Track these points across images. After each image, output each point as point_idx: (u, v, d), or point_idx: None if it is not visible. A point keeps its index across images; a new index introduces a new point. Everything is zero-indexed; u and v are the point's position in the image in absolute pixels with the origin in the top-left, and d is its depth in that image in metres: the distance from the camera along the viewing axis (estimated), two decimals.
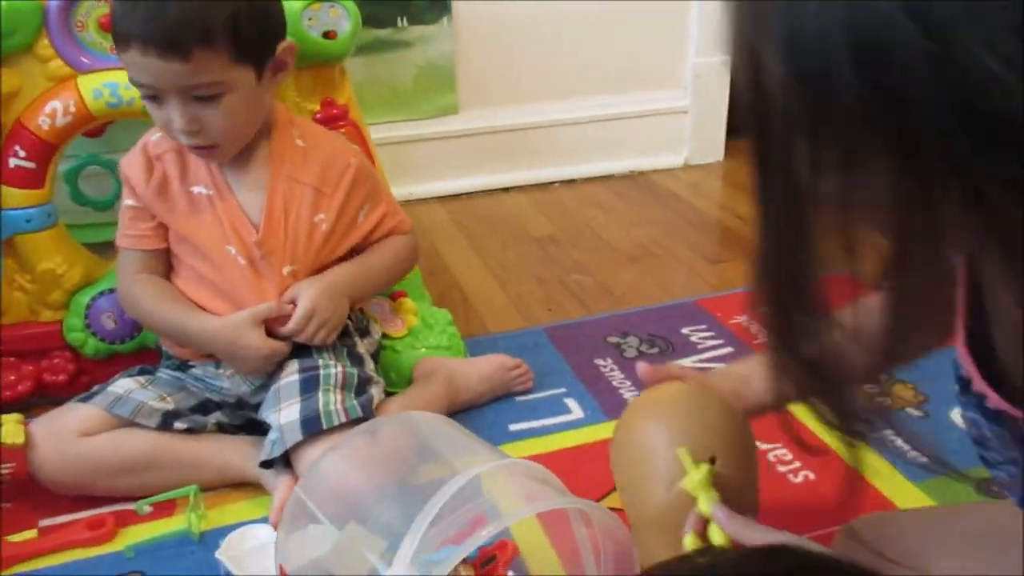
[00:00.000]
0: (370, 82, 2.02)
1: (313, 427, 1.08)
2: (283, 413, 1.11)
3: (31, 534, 1.10)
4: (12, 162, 1.27)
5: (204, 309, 1.18)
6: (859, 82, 0.40)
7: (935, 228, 0.43)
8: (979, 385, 0.65)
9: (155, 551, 1.06)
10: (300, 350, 1.18)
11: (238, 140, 1.14)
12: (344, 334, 1.23)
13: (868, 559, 0.79)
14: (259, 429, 1.18)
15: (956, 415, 1.25)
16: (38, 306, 1.34)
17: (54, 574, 1.04)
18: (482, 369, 1.34)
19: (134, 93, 1.26)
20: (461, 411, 1.30)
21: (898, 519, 0.95)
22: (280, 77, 1.15)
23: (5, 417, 1.12)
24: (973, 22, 0.37)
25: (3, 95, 1.25)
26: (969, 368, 0.66)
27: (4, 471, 1.20)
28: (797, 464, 1.17)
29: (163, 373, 1.21)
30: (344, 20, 1.35)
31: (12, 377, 1.33)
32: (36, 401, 1.31)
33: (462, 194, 2.17)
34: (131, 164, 1.19)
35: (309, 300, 1.15)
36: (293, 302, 1.16)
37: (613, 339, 1.50)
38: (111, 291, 1.33)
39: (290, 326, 1.15)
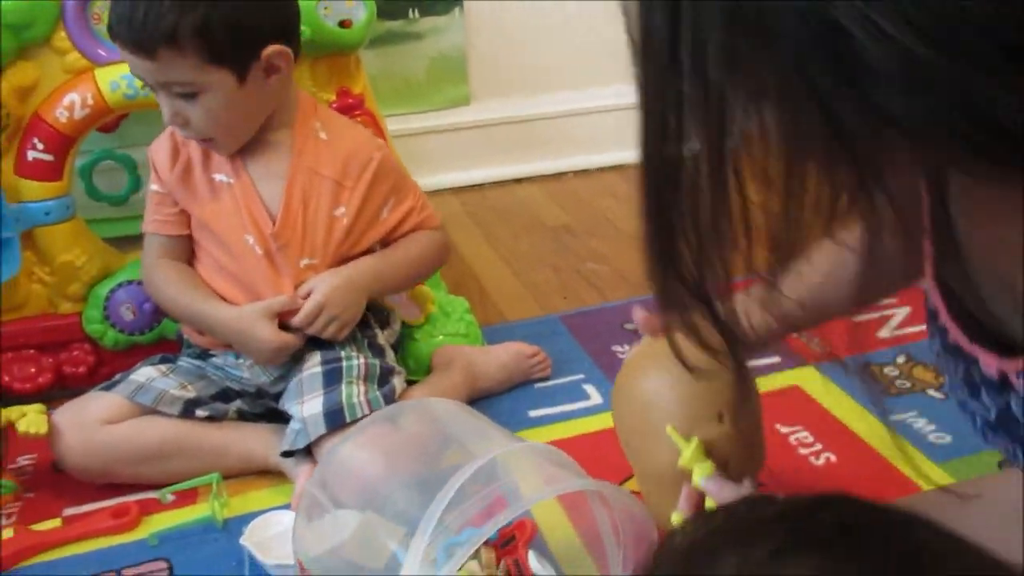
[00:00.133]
0: (382, 74, 2.02)
1: (337, 420, 1.08)
2: (306, 405, 1.11)
3: (55, 523, 1.11)
4: (30, 155, 1.28)
5: (223, 298, 1.18)
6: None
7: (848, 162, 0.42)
8: (943, 318, 0.65)
9: (179, 538, 1.07)
10: (322, 341, 1.18)
11: (231, 136, 1.14)
12: (365, 325, 1.23)
13: None
14: (279, 417, 1.18)
15: None
16: (57, 298, 1.34)
17: (79, 562, 1.05)
18: (500, 357, 1.34)
19: None
20: (480, 399, 1.30)
21: (927, 500, 0.95)
22: (275, 80, 1.12)
23: (27, 407, 1.13)
24: None
25: (21, 88, 1.26)
26: (936, 301, 0.66)
27: (26, 461, 1.21)
28: (819, 446, 1.17)
29: (184, 362, 1.22)
30: (359, 9, 1.35)
31: (32, 369, 1.34)
32: (56, 393, 1.31)
33: (475, 185, 2.17)
34: (158, 149, 1.20)
35: (321, 294, 1.15)
36: (309, 295, 1.16)
37: (630, 326, 1.50)
38: (130, 283, 1.33)
39: (298, 318, 1.15)
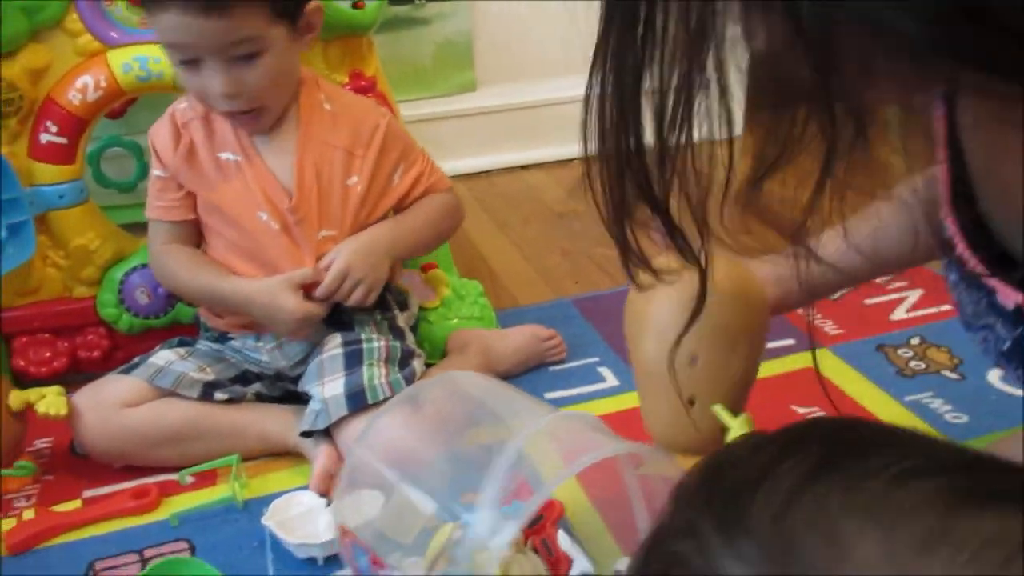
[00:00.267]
0: (388, 60, 2.00)
1: (358, 402, 1.08)
2: (327, 387, 1.11)
3: (75, 504, 1.11)
4: (44, 138, 1.27)
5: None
6: None
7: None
8: (960, 249, 0.66)
9: (200, 519, 1.07)
10: (342, 324, 1.18)
11: (279, 101, 1.13)
12: (384, 307, 1.23)
13: None
14: (298, 399, 1.18)
15: (993, 377, 1.25)
16: (72, 282, 1.34)
17: (100, 543, 1.05)
18: (516, 340, 1.34)
19: (164, 67, 1.27)
20: None
21: None
22: (308, 39, 1.14)
23: (46, 389, 1.12)
24: None
25: (33, 70, 1.25)
26: (953, 232, 0.66)
27: (43, 444, 1.21)
28: None
29: (202, 345, 1.21)
30: None
31: (47, 353, 1.33)
32: (71, 377, 1.31)
33: (481, 172, 2.17)
34: (158, 133, 1.18)
35: (343, 260, 1.14)
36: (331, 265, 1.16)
37: None
38: (144, 267, 1.33)
39: (323, 287, 1.14)
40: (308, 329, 1.17)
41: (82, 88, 1.27)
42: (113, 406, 1.12)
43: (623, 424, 1.19)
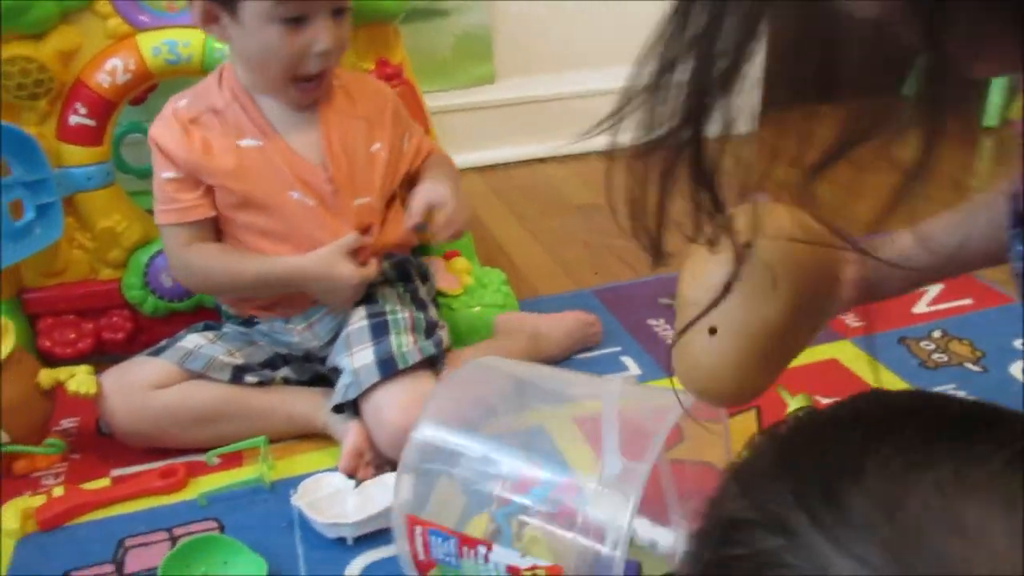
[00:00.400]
0: (408, 52, 1.99)
1: (389, 368, 1.09)
2: (356, 357, 1.11)
3: (103, 483, 1.11)
4: (72, 119, 1.28)
5: None
6: None
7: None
8: None
9: (228, 500, 1.07)
10: (365, 298, 1.19)
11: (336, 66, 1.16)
12: (407, 279, 1.25)
13: None
14: (325, 383, 1.18)
15: (1016, 370, 1.26)
16: (97, 264, 1.34)
17: (130, 520, 1.05)
18: (566, 323, 1.36)
19: (192, 51, 1.28)
20: None
21: None
22: None
23: (76, 368, 1.13)
24: None
25: (63, 52, 1.26)
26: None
27: (69, 424, 1.21)
28: None
29: (229, 329, 1.21)
30: None
31: (72, 335, 1.34)
32: (95, 359, 1.31)
33: (499, 164, 2.17)
34: (165, 134, 1.14)
35: (441, 195, 1.16)
36: (429, 208, 1.15)
37: (665, 300, 1.50)
38: None
39: (448, 209, 1.15)
40: (358, 297, 1.17)
41: (111, 71, 1.27)
42: (142, 387, 1.12)
43: None
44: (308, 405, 1.17)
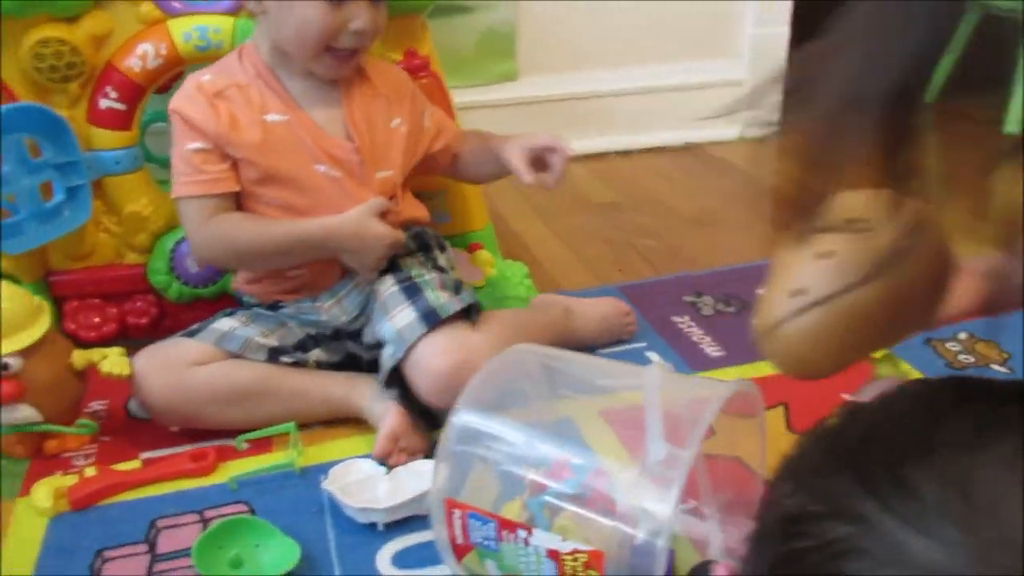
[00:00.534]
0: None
1: (432, 320, 1.10)
2: (397, 318, 1.12)
3: (134, 464, 1.11)
4: (103, 103, 1.28)
5: None
6: None
7: None
8: None
9: (258, 484, 1.07)
10: (389, 267, 1.20)
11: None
12: (426, 247, 1.26)
13: None
14: (356, 366, 1.19)
15: None
16: (123, 248, 1.34)
17: (160, 502, 1.05)
18: (601, 308, 1.36)
19: (223, 37, 1.28)
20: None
21: None
22: None
23: (108, 350, 1.13)
24: None
25: (95, 36, 1.26)
26: None
27: (99, 407, 1.21)
28: None
29: (260, 311, 1.21)
30: None
31: (96, 319, 1.34)
32: (119, 343, 1.30)
33: None
34: (190, 106, 1.13)
35: (555, 140, 1.20)
36: (541, 154, 1.20)
37: (688, 298, 1.50)
38: None
39: (565, 154, 1.19)
40: (386, 261, 1.18)
41: (142, 55, 1.27)
42: (181, 365, 1.12)
43: None
44: (344, 387, 1.17)
